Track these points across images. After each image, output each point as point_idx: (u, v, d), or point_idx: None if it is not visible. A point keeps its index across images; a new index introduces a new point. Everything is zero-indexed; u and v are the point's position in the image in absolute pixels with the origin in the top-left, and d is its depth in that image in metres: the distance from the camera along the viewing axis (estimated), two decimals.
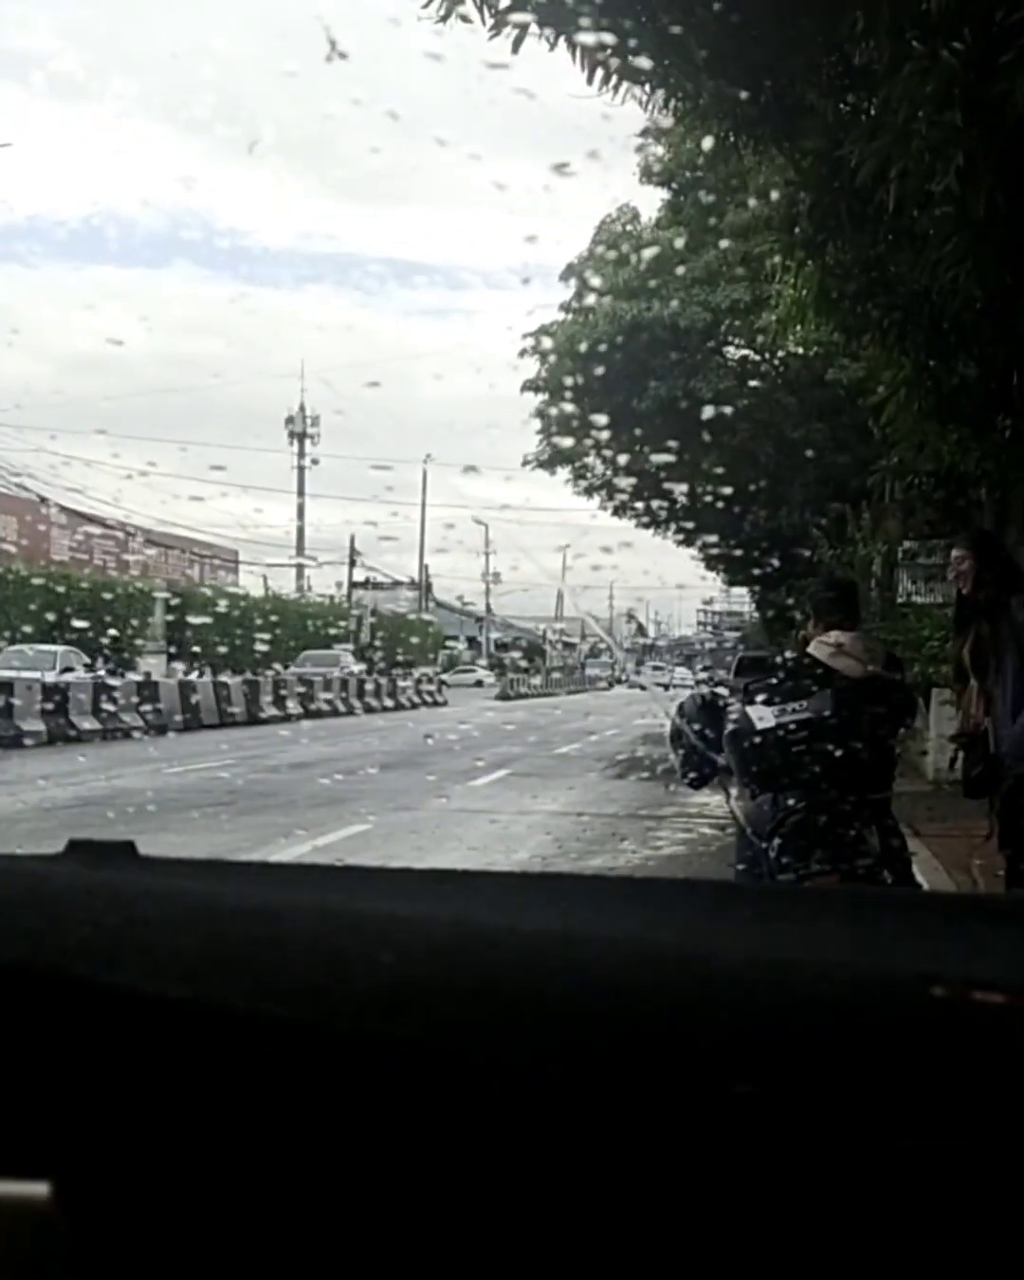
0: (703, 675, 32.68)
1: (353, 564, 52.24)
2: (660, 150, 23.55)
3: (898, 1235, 0.60)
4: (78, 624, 28.59)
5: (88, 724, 23.18)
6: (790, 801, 5.02)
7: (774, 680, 5.26)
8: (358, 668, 35.39)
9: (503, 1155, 0.64)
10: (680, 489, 27.70)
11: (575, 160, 8.89)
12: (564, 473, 31.72)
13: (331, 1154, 0.67)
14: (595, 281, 26.72)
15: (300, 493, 50.73)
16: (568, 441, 29.11)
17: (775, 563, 27.88)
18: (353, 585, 52.97)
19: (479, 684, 48.13)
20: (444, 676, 43.83)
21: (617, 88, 7.89)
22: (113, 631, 30.75)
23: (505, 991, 0.67)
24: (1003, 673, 6.16)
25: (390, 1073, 0.65)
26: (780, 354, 22.98)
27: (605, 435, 26.76)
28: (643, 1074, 0.63)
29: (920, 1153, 0.60)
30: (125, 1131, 0.68)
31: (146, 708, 24.78)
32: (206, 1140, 0.68)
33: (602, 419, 26.12)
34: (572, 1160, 0.63)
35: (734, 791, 5.41)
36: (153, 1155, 0.68)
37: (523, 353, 28.63)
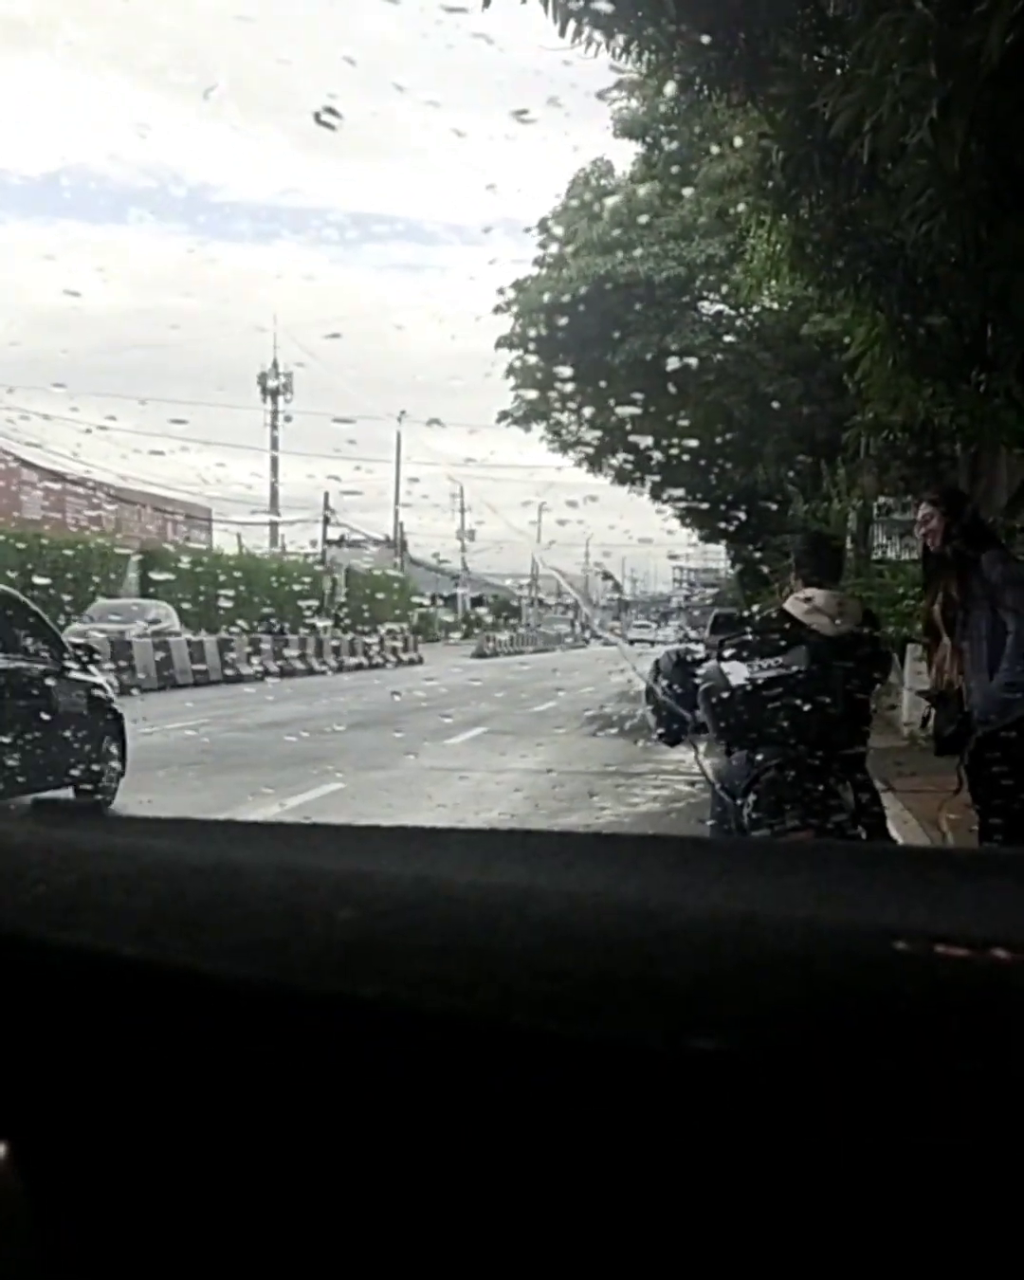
0: (690, 634, 32.71)
1: (327, 522, 52.09)
2: (634, 103, 23.46)
3: (862, 1189, 0.60)
4: (39, 581, 28.28)
5: None
6: (760, 757, 5.03)
7: (748, 637, 5.27)
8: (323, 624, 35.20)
9: (465, 1110, 0.64)
10: (654, 444, 27.69)
11: (536, 109, 8.80)
12: (538, 429, 31.72)
13: (291, 1110, 0.66)
14: (568, 236, 26.62)
15: (274, 448, 50.52)
16: (548, 396, 29.05)
17: (748, 518, 27.91)
18: (327, 543, 52.82)
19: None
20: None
21: (589, 40, 7.85)
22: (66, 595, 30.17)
23: (466, 946, 0.67)
24: (973, 629, 6.18)
25: (349, 1029, 0.65)
26: (755, 309, 22.93)
27: (578, 390, 26.71)
28: (603, 1027, 0.62)
29: (882, 1103, 0.59)
30: (81, 1090, 0.68)
31: (120, 667, 24.75)
32: (163, 1098, 0.67)
33: (572, 373, 26.06)
34: (534, 1114, 0.63)
35: (704, 748, 5.42)
36: (110, 1114, 0.68)
37: (496, 308, 28.58)
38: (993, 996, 0.62)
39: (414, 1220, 0.65)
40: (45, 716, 10.76)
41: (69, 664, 11.40)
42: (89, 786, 11.10)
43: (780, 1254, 0.61)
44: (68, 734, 10.97)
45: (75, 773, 11.00)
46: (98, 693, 11.86)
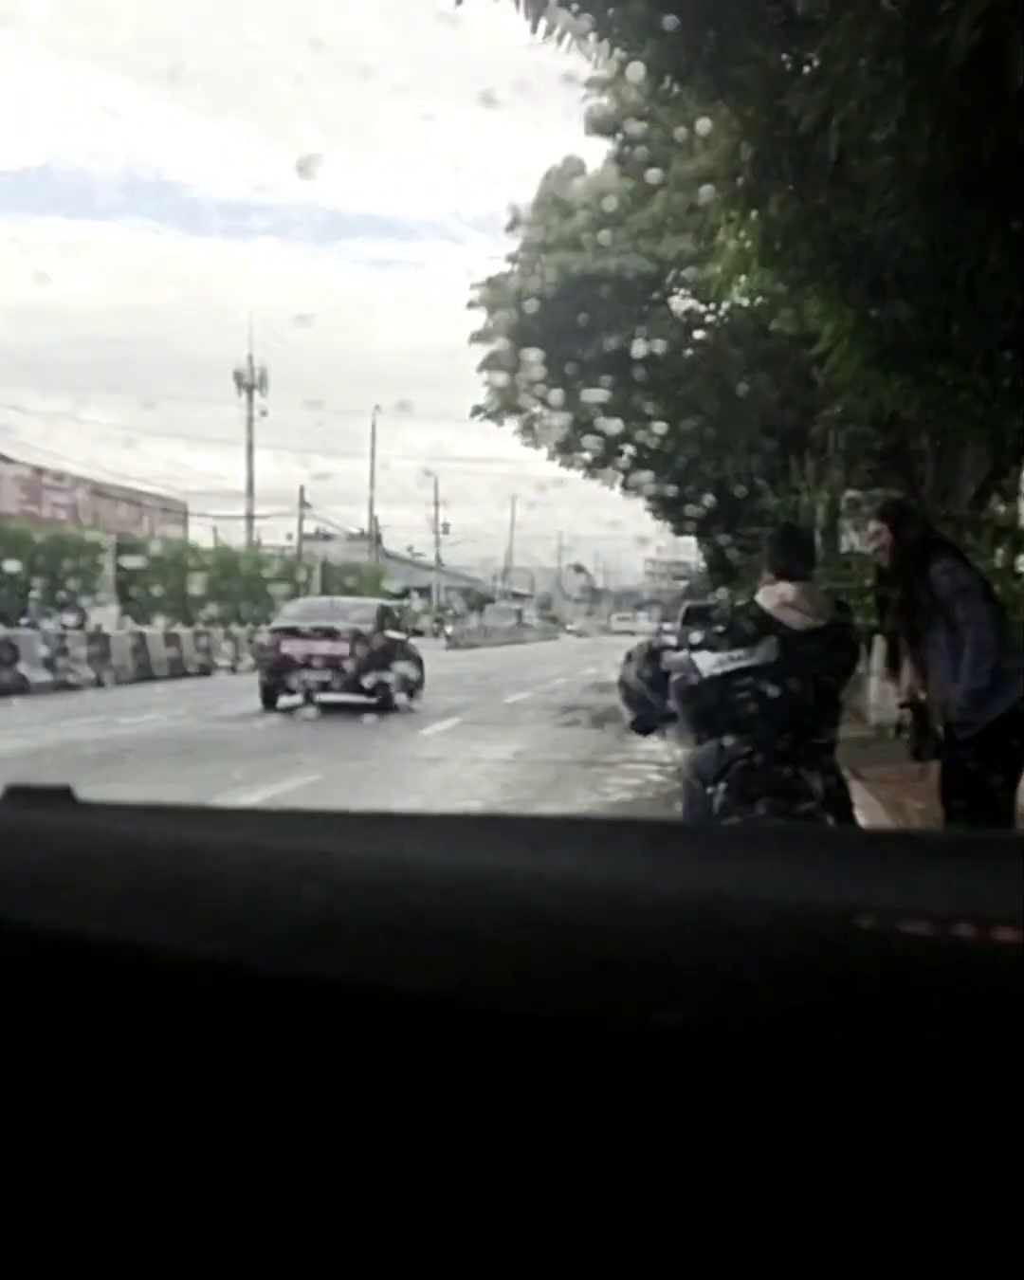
0: (664, 626, 32.70)
1: (303, 515, 51.91)
2: (604, 100, 23.46)
3: (831, 1163, 0.60)
4: (10, 568, 27.96)
5: (40, 676, 23.03)
6: (727, 743, 5.07)
7: (719, 628, 5.30)
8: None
9: (434, 1090, 0.64)
10: (625, 438, 27.68)
11: (506, 97, 8.83)
12: (510, 423, 31.67)
13: (263, 1091, 0.66)
14: (540, 233, 26.62)
15: (249, 445, 50.28)
16: (514, 388, 29.00)
17: (719, 511, 27.93)
18: (303, 537, 52.59)
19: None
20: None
21: (560, 37, 7.87)
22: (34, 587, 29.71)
23: (432, 928, 0.67)
24: (934, 640, 6.23)
25: (315, 1010, 0.65)
26: (725, 304, 22.94)
27: (550, 384, 26.68)
28: (569, 1007, 0.63)
29: (848, 1077, 0.60)
30: (51, 1071, 0.68)
31: (97, 660, 24.67)
32: (133, 1079, 0.67)
33: (545, 367, 26.04)
34: (502, 1094, 0.63)
35: (672, 733, 5.45)
36: (81, 1095, 0.67)
37: (469, 303, 28.56)
38: (956, 973, 0.63)
39: (389, 1198, 0.65)
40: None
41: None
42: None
43: (752, 1229, 0.61)
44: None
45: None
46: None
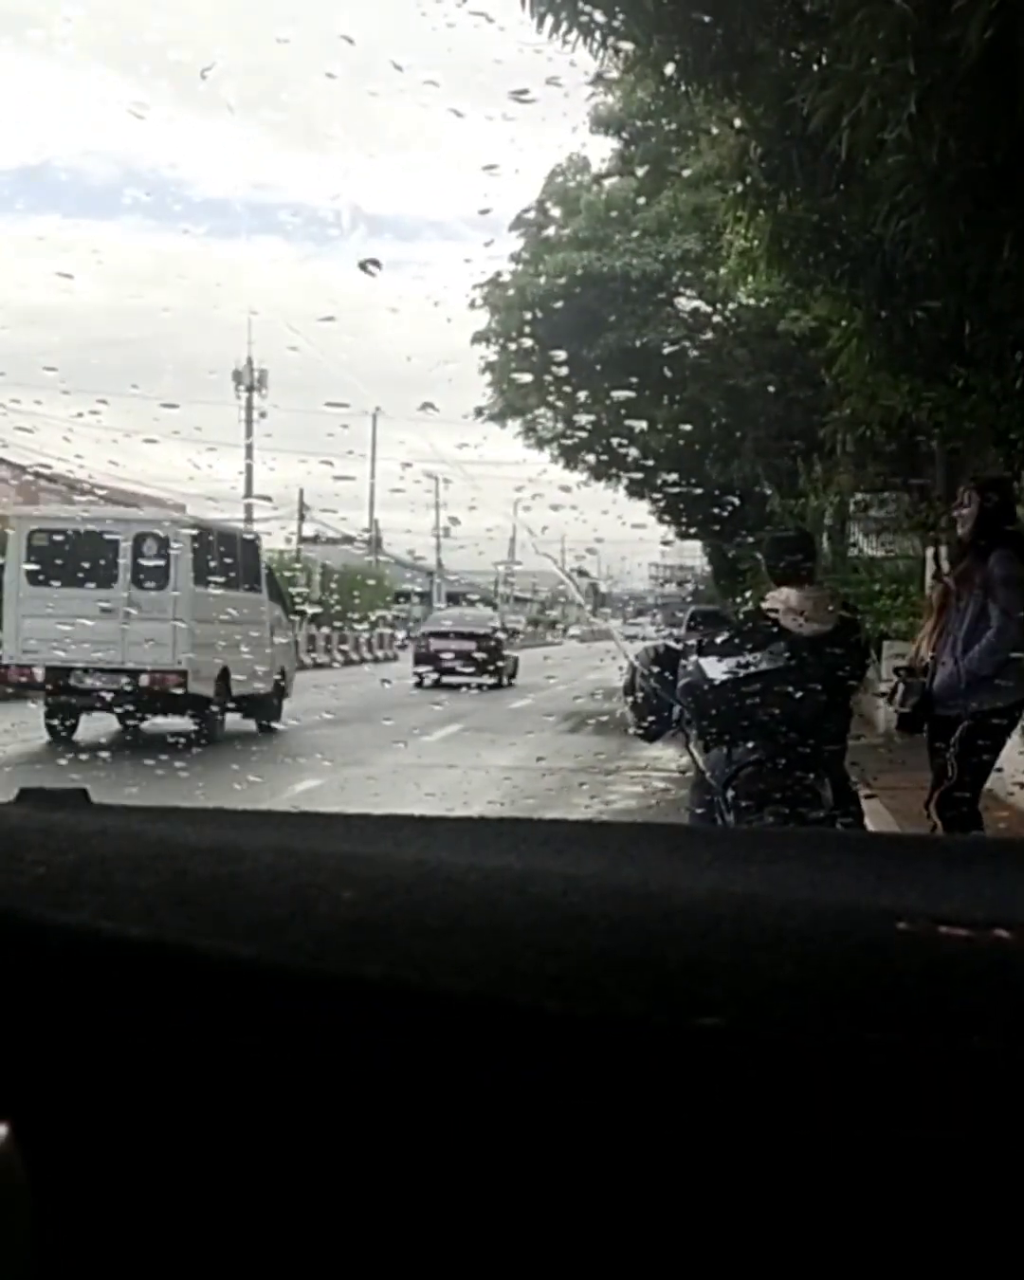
0: (675, 631, 33.32)
1: (302, 518, 51.95)
2: (610, 99, 23.45)
3: (865, 1165, 0.60)
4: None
5: None
6: (739, 752, 5.04)
7: (727, 634, 5.28)
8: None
9: (467, 1088, 0.64)
10: (630, 440, 27.68)
11: (511, 102, 8.81)
12: (513, 425, 31.66)
13: (293, 1089, 0.66)
14: (545, 232, 26.62)
15: (248, 448, 50.30)
16: (519, 389, 29.00)
17: (725, 514, 27.92)
18: (302, 540, 52.63)
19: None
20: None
21: (566, 36, 7.84)
22: None
23: (468, 927, 0.67)
24: (962, 615, 6.35)
25: (351, 1009, 0.65)
26: (732, 305, 22.94)
27: (555, 386, 26.69)
28: (605, 1005, 0.62)
29: (884, 1080, 0.59)
30: (82, 1069, 0.67)
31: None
32: (164, 1077, 0.67)
33: (552, 369, 26.05)
34: (537, 1092, 0.63)
35: (690, 742, 5.43)
36: (111, 1093, 0.67)
37: (473, 304, 28.54)
38: (995, 976, 0.62)
39: (417, 1197, 0.64)
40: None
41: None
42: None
43: (780, 1230, 0.61)
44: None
45: None
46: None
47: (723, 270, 13.69)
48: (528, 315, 25.89)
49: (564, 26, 7.76)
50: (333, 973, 0.65)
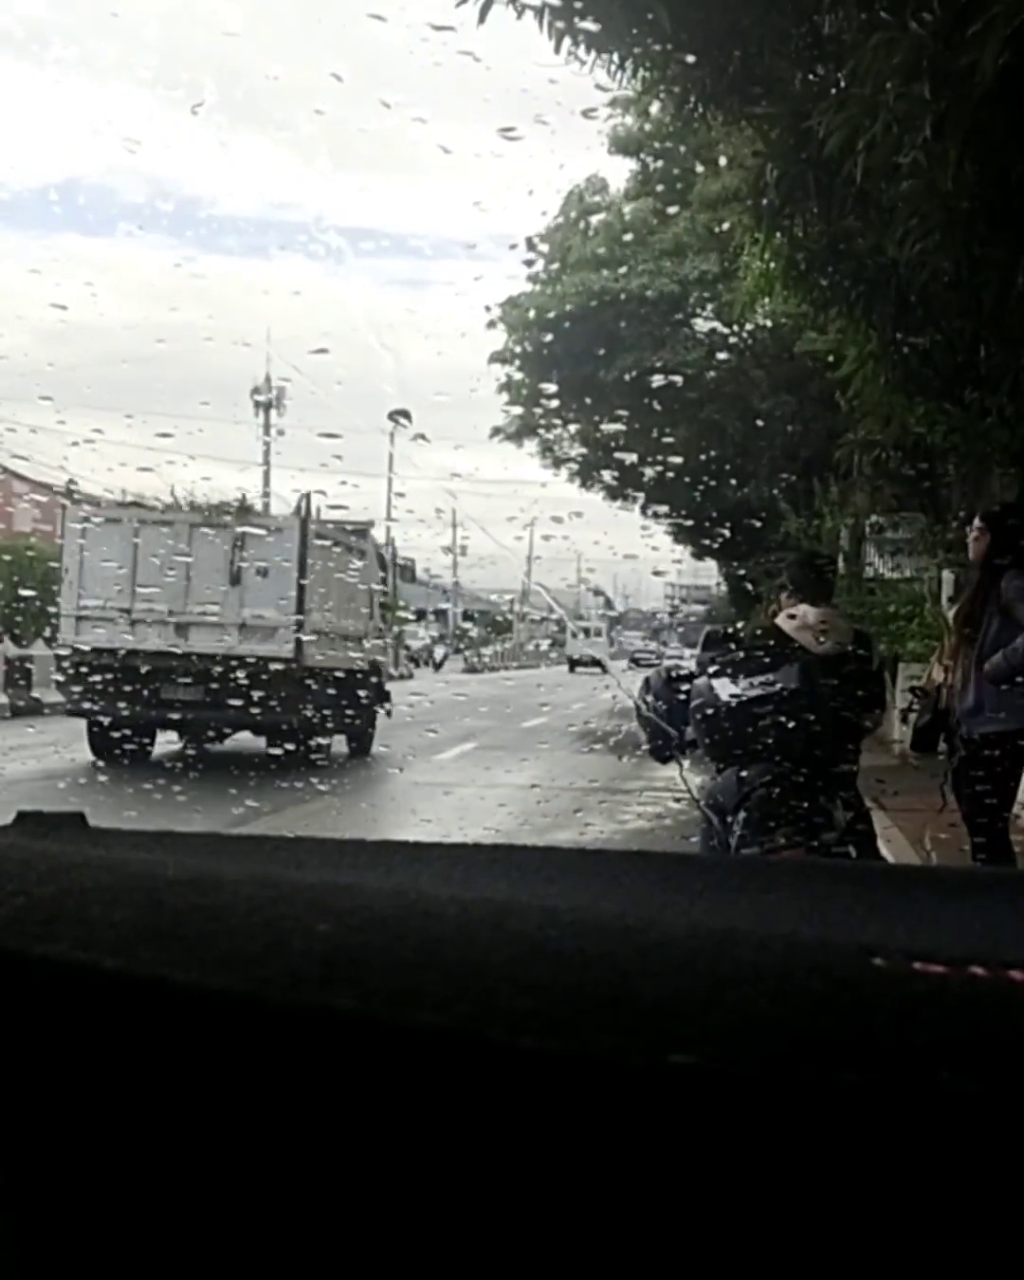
0: (685, 651, 34.81)
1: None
2: (628, 120, 23.52)
3: (842, 1202, 0.59)
4: (25, 594, 27.91)
5: (53, 697, 23.10)
6: (744, 773, 5.02)
7: (740, 655, 5.26)
8: None
9: (443, 1124, 0.64)
10: (645, 460, 27.71)
11: (523, 125, 8.82)
12: (529, 445, 31.71)
13: (271, 1122, 0.66)
14: (561, 252, 26.67)
15: (267, 463, 50.29)
16: (535, 411, 29.05)
17: (739, 535, 27.91)
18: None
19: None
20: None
21: (582, 57, 7.87)
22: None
23: (443, 960, 0.66)
24: (982, 637, 6.39)
25: (326, 1042, 0.65)
26: (747, 326, 22.97)
27: (570, 406, 26.72)
28: (580, 1042, 0.61)
29: (860, 1118, 0.59)
30: (62, 1100, 0.68)
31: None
32: (143, 1109, 0.67)
33: (567, 389, 26.09)
34: (512, 1128, 0.63)
35: (692, 765, 5.41)
36: (91, 1125, 0.67)
37: (489, 324, 28.59)
38: (970, 1013, 0.61)
39: (391, 1231, 0.64)
40: None
41: None
42: None
43: (753, 1268, 0.61)
44: None
45: None
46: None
47: (737, 291, 13.71)
48: (547, 337, 25.95)
49: (580, 47, 7.79)
50: (307, 1005, 0.64)
